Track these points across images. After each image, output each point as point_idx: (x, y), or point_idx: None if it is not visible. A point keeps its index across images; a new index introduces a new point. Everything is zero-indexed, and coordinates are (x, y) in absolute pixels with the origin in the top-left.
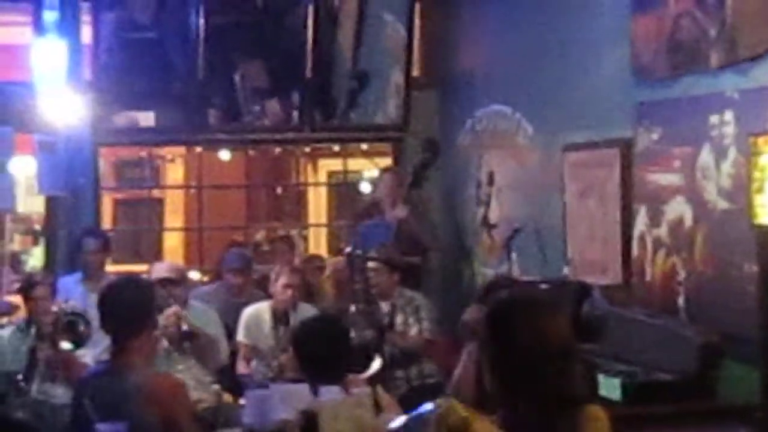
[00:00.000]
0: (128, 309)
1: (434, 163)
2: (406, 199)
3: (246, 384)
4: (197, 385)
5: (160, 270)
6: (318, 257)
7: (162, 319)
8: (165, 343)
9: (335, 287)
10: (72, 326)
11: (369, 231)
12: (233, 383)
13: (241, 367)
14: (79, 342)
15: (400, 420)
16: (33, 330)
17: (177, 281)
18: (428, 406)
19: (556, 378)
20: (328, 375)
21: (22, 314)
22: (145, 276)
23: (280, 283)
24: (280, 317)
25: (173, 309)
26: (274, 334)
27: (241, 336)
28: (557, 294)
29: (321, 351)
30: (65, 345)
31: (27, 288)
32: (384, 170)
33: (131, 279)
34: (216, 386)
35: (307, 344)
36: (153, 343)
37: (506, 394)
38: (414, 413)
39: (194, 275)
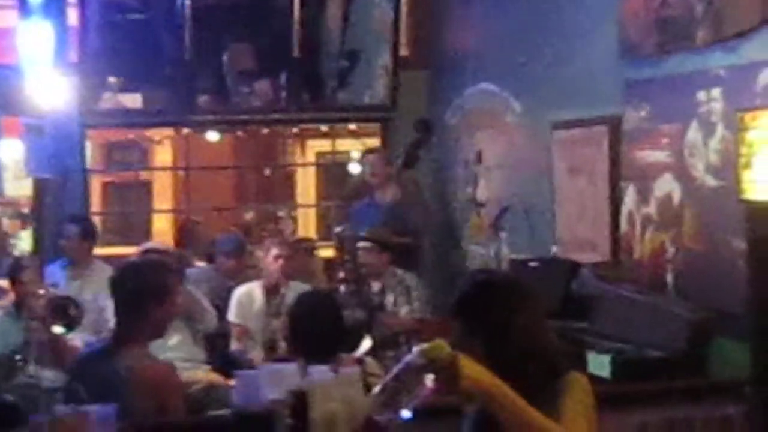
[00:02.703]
0: (129, 292)
1: (427, 143)
2: (398, 179)
3: (239, 361)
4: (189, 363)
5: (146, 244)
6: (308, 240)
7: None
8: None
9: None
10: (63, 310)
11: (360, 212)
12: (224, 364)
13: (235, 346)
14: (70, 325)
15: (390, 374)
16: (23, 314)
17: (162, 252)
18: (415, 350)
19: (544, 349)
20: (322, 351)
21: (10, 298)
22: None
23: (271, 254)
24: (271, 294)
25: None
26: (265, 311)
27: (232, 316)
28: (547, 272)
29: (316, 327)
30: (57, 329)
31: (15, 272)
32: (368, 151)
33: (138, 262)
34: (207, 366)
35: (303, 319)
36: (159, 326)
37: (497, 370)
38: (403, 361)
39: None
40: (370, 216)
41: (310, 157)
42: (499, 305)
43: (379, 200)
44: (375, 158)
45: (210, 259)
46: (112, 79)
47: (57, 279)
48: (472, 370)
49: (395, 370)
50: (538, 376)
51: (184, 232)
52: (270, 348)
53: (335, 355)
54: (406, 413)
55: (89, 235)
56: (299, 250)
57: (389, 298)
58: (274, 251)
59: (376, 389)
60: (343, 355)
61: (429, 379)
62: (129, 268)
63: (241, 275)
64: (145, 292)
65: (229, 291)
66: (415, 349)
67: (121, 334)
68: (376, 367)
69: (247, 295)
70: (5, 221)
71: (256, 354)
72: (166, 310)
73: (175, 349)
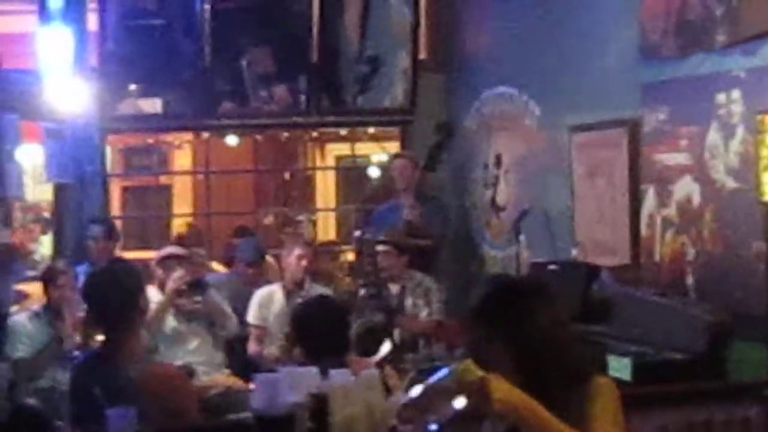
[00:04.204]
0: (112, 297)
1: (447, 146)
2: (420, 183)
3: (258, 365)
4: (208, 367)
5: (165, 249)
6: (331, 243)
7: (170, 282)
8: (174, 322)
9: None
10: None
11: (383, 215)
12: (244, 367)
13: (252, 348)
14: None
15: (417, 389)
16: (53, 317)
17: (182, 257)
18: (444, 371)
19: (568, 352)
20: (329, 354)
21: (32, 302)
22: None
23: (294, 254)
24: (292, 295)
25: (178, 272)
26: (285, 312)
27: (251, 317)
28: (566, 275)
29: (319, 330)
30: (101, 337)
31: (50, 277)
32: (396, 155)
33: (115, 265)
34: (226, 370)
35: (305, 325)
36: (140, 331)
37: (521, 375)
38: (431, 380)
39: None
40: (393, 219)
41: (330, 161)
42: (521, 309)
43: (402, 203)
44: (404, 163)
45: (228, 263)
46: (130, 86)
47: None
48: (503, 392)
49: (423, 386)
50: (562, 380)
51: (185, 240)
52: (289, 340)
53: (342, 356)
54: (432, 426)
55: (113, 235)
56: (321, 254)
57: (408, 301)
58: (297, 251)
59: (403, 399)
60: (354, 356)
61: (459, 401)
62: (102, 274)
63: (260, 282)
64: (134, 287)
65: (248, 296)
66: (445, 370)
67: (112, 340)
68: (393, 376)
69: (268, 296)
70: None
71: (273, 350)
72: (144, 309)
73: (195, 354)
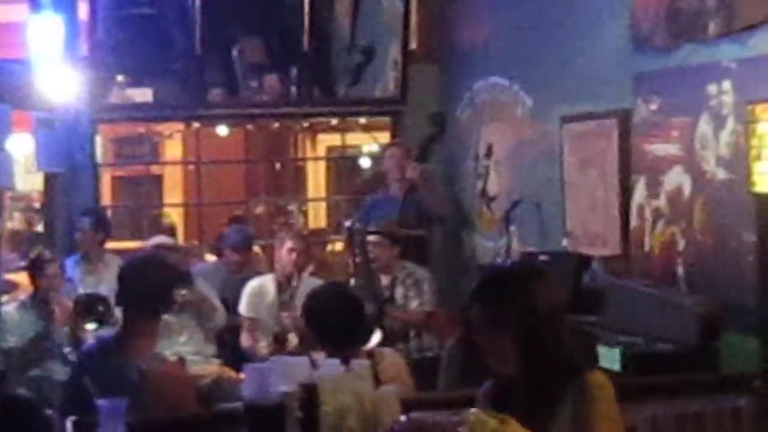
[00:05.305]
0: (148, 288)
1: (441, 137)
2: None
3: (250, 357)
4: (198, 357)
5: (154, 239)
6: (322, 231)
7: None
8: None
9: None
10: (92, 308)
11: (375, 204)
12: (234, 357)
13: (245, 341)
14: (102, 321)
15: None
16: (41, 307)
17: (171, 247)
18: (453, 419)
19: (566, 338)
20: (340, 343)
21: (21, 292)
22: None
23: (285, 247)
24: (284, 287)
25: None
26: (277, 304)
27: (243, 309)
28: (557, 265)
29: (331, 319)
30: (90, 326)
31: (38, 266)
32: (388, 145)
33: (154, 257)
34: (217, 360)
35: (317, 312)
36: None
37: (520, 364)
38: (440, 424)
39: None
40: (386, 209)
41: (321, 151)
42: (522, 291)
43: (395, 194)
44: (398, 152)
45: (218, 253)
46: (120, 76)
47: (72, 275)
48: None
49: (432, 423)
50: (559, 369)
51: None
52: (279, 340)
53: (355, 345)
54: None
55: (102, 226)
56: (313, 243)
57: (399, 292)
58: (289, 244)
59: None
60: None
61: None
62: (141, 264)
63: (248, 268)
64: (158, 289)
65: (237, 285)
66: (455, 418)
67: (131, 330)
68: (395, 357)
69: (260, 288)
70: (17, 215)
71: (265, 345)
72: (170, 308)
73: (186, 345)
